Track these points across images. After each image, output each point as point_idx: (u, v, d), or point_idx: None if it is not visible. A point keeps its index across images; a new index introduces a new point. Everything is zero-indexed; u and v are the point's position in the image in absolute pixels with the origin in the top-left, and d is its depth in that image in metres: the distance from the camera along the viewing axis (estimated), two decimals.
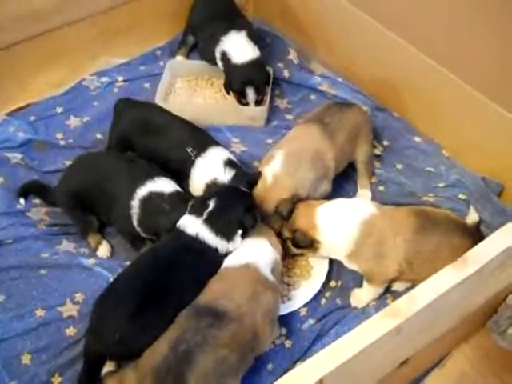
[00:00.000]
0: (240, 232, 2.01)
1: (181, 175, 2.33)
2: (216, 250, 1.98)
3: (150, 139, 2.41)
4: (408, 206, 2.16)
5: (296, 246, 2.10)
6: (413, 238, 1.95)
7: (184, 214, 2.05)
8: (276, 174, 2.17)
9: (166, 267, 1.92)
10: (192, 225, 2.00)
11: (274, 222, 2.18)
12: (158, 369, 1.66)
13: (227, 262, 1.96)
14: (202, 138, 2.41)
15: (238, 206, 2.02)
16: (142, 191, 2.15)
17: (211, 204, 2.02)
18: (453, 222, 2.04)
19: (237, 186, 2.17)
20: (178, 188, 2.21)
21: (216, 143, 2.40)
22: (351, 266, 2.05)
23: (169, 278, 1.90)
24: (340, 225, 1.99)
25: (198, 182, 2.30)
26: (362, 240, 1.96)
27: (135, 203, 2.15)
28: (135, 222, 2.17)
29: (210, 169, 2.29)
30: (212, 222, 1.99)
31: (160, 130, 2.42)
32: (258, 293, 1.84)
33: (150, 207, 2.13)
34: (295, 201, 2.13)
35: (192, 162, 2.32)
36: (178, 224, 2.03)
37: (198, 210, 2.02)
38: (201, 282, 1.90)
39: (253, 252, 1.97)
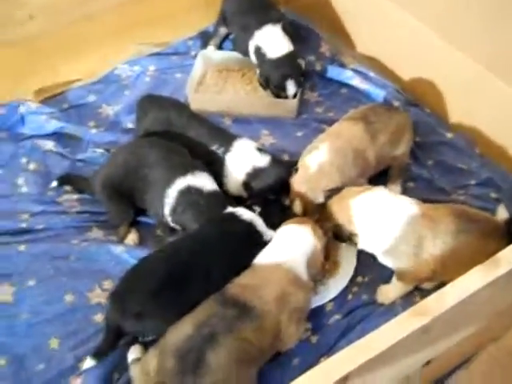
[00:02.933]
0: None
1: (213, 174, 2.30)
2: (262, 236, 2.05)
3: (175, 140, 2.39)
4: (439, 203, 2.13)
5: (337, 238, 2.10)
6: (451, 240, 1.92)
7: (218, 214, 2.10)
8: (321, 163, 2.19)
9: (204, 251, 1.96)
10: (248, 213, 2.08)
11: (314, 210, 2.20)
12: (180, 346, 1.68)
13: (261, 257, 1.97)
14: (223, 136, 2.42)
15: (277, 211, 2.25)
16: (182, 182, 2.16)
17: (257, 208, 2.20)
18: (492, 225, 2.00)
19: (268, 199, 2.28)
20: (216, 188, 2.22)
21: (238, 136, 2.41)
22: (385, 261, 2.02)
23: (204, 264, 1.93)
24: (382, 221, 1.96)
25: (236, 175, 2.32)
26: (402, 238, 1.93)
27: (171, 193, 2.16)
28: (167, 211, 2.18)
29: (244, 159, 2.31)
30: (262, 216, 2.12)
31: (181, 130, 2.42)
32: (288, 294, 1.84)
33: (187, 201, 2.14)
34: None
35: (222, 160, 2.33)
36: (231, 211, 2.08)
37: (249, 208, 2.14)
38: (233, 270, 1.91)
39: (288, 248, 1.96)
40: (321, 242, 2.02)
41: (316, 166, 2.19)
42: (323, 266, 2.07)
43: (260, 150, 2.35)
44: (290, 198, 2.27)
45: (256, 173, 2.29)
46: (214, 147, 2.36)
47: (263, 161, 2.30)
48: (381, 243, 1.98)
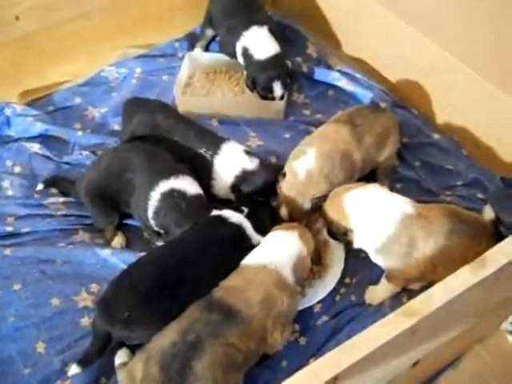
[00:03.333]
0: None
1: (200, 177, 2.29)
2: (250, 239, 2.05)
3: (161, 144, 2.37)
4: (425, 203, 2.13)
5: (333, 236, 2.09)
6: (443, 241, 1.92)
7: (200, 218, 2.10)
8: (309, 170, 2.18)
9: (192, 256, 1.95)
10: (236, 216, 2.08)
11: (301, 216, 2.20)
12: (165, 353, 1.67)
13: (247, 259, 1.96)
14: (211, 138, 2.41)
15: (265, 213, 2.23)
16: (165, 185, 2.15)
17: (245, 209, 2.15)
18: (482, 225, 2.00)
19: (256, 200, 2.26)
20: (200, 191, 2.20)
21: (225, 139, 2.40)
22: (377, 259, 2.02)
23: (192, 269, 1.92)
24: (376, 218, 1.95)
25: (225, 178, 2.31)
26: (395, 237, 1.93)
27: (155, 195, 2.15)
28: (150, 214, 2.17)
29: (233, 162, 2.31)
30: (250, 218, 2.11)
31: (167, 133, 2.41)
32: (272, 296, 1.83)
33: (169, 204, 2.13)
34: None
35: (210, 163, 2.32)
36: (217, 214, 2.08)
37: (236, 209, 2.13)
38: (222, 274, 1.90)
39: (274, 250, 1.95)
40: (308, 247, 2.00)
41: (304, 172, 2.18)
42: (311, 271, 2.07)
43: (248, 152, 2.35)
44: (277, 202, 2.26)
45: (245, 175, 2.29)
46: (201, 150, 2.35)
47: (252, 164, 2.30)
48: (373, 240, 1.97)
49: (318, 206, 2.12)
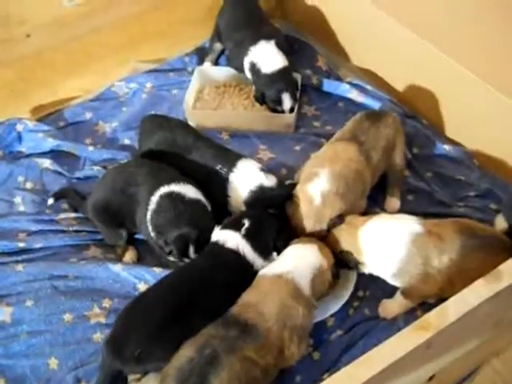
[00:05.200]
0: (275, 254, 2.04)
1: (216, 194, 2.29)
2: (252, 266, 1.99)
3: (179, 161, 2.38)
4: (439, 215, 2.12)
5: (342, 266, 2.05)
6: (457, 257, 1.90)
7: (198, 221, 2.08)
8: (324, 193, 2.13)
9: (198, 285, 1.92)
10: (232, 238, 2.02)
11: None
12: (182, 369, 1.65)
13: (264, 270, 1.94)
14: (227, 156, 2.38)
15: (271, 227, 2.09)
16: (165, 189, 2.15)
17: (246, 222, 2.05)
18: (499, 241, 1.98)
19: (266, 210, 2.19)
20: (202, 198, 2.19)
21: (242, 156, 2.39)
22: (394, 282, 2.00)
23: (199, 298, 1.88)
24: (386, 245, 1.94)
25: (240, 193, 2.28)
26: (408, 259, 1.91)
27: (154, 199, 2.14)
28: (148, 218, 2.15)
29: (249, 178, 2.28)
30: (250, 237, 2.02)
31: (186, 151, 2.40)
32: (288, 307, 1.81)
33: (166, 204, 2.12)
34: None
35: (226, 180, 2.30)
36: (216, 239, 2.04)
37: (235, 226, 2.05)
38: (231, 301, 1.86)
39: (290, 261, 1.93)
40: (328, 260, 1.97)
41: (320, 196, 2.13)
42: (331, 285, 2.00)
43: (264, 170, 2.32)
44: (292, 226, 2.21)
45: (262, 191, 2.25)
46: (217, 167, 2.34)
47: (269, 181, 2.27)
48: (388, 267, 1.96)
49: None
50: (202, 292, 1.90)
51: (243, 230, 2.04)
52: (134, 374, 1.87)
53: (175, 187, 2.16)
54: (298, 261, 1.92)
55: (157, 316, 1.83)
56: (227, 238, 2.03)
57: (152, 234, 2.16)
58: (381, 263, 1.96)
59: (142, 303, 1.90)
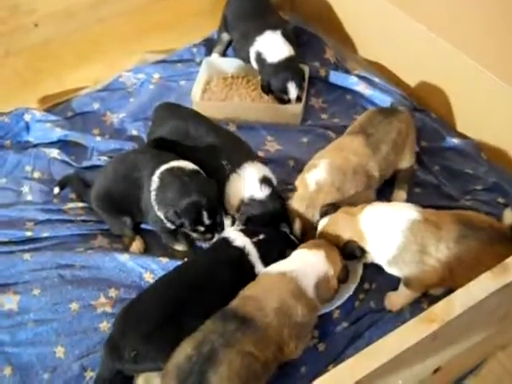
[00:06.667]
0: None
1: (218, 187, 2.25)
2: (253, 268, 2.00)
3: (188, 150, 2.36)
4: (446, 209, 2.12)
5: (349, 257, 2.02)
6: (455, 246, 1.91)
7: (205, 189, 2.10)
8: (320, 181, 2.16)
9: (196, 284, 1.92)
10: (242, 239, 2.03)
11: (312, 230, 2.14)
12: (181, 368, 1.64)
13: (268, 268, 1.93)
14: (238, 151, 2.35)
15: (281, 243, 2.10)
16: (165, 166, 2.16)
17: (262, 235, 2.07)
18: (497, 230, 1.98)
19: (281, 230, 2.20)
20: (200, 170, 2.20)
21: (252, 157, 2.33)
22: (391, 270, 2.00)
23: (196, 297, 1.88)
24: (384, 231, 1.94)
25: (233, 197, 2.26)
26: (405, 246, 1.92)
27: (155, 178, 2.15)
28: (152, 197, 2.15)
29: (245, 186, 2.24)
30: (260, 245, 2.04)
31: (197, 141, 2.38)
32: (288, 305, 1.79)
33: (170, 178, 2.13)
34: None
35: (227, 177, 2.27)
36: (225, 235, 2.05)
37: (248, 232, 2.07)
38: (229, 301, 1.84)
39: (296, 261, 1.92)
40: (335, 267, 1.93)
41: (314, 184, 2.16)
42: (336, 291, 1.97)
43: (265, 180, 2.25)
44: (290, 218, 2.22)
45: (250, 203, 2.21)
46: (223, 162, 2.30)
47: (262, 193, 2.21)
48: (385, 254, 1.96)
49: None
50: (202, 288, 1.90)
51: (255, 238, 2.05)
52: (134, 373, 1.88)
53: (174, 163, 2.18)
54: (304, 263, 1.90)
55: (153, 317, 1.83)
56: (237, 237, 2.04)
57: (159, 213, 2.16)
58: (379, 250, 1.97)
59: (138, 304, 1.91)
